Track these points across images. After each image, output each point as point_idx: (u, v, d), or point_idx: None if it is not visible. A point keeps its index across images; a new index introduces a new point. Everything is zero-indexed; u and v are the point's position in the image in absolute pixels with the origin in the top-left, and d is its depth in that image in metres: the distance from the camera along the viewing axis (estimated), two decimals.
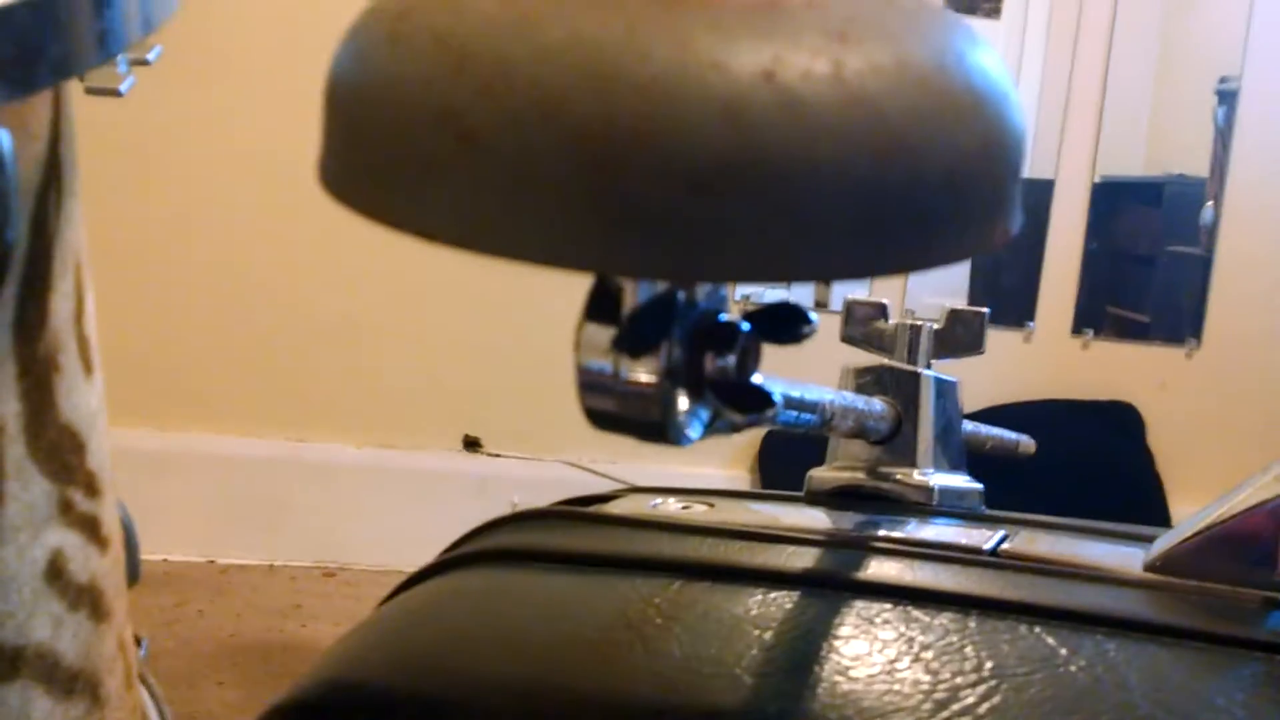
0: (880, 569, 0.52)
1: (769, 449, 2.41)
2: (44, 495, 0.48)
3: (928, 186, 0.33)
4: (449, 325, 2.45)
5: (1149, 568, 0.52)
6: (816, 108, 0.31)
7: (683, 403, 0.38)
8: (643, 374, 0.38)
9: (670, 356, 0.38)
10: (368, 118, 0.34)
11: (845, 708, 0.43)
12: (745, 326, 0.39)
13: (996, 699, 0.44)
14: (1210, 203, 2.54)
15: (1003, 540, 0.57)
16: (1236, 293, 2.54)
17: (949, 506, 0.67)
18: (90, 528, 0.51)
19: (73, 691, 0.50)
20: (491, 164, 0.32)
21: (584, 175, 0.31)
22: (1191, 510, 2.08)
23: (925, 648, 0.46)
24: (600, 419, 0.38)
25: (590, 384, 0.38)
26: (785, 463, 2.37)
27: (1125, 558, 0.54)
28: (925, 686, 0.44)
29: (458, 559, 0.56)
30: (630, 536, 0.56)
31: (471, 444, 2.43)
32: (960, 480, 0.71)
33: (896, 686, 0.44)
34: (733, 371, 0.39)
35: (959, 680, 0.44)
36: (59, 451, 0.49)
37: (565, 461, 2.41)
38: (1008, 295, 2.50)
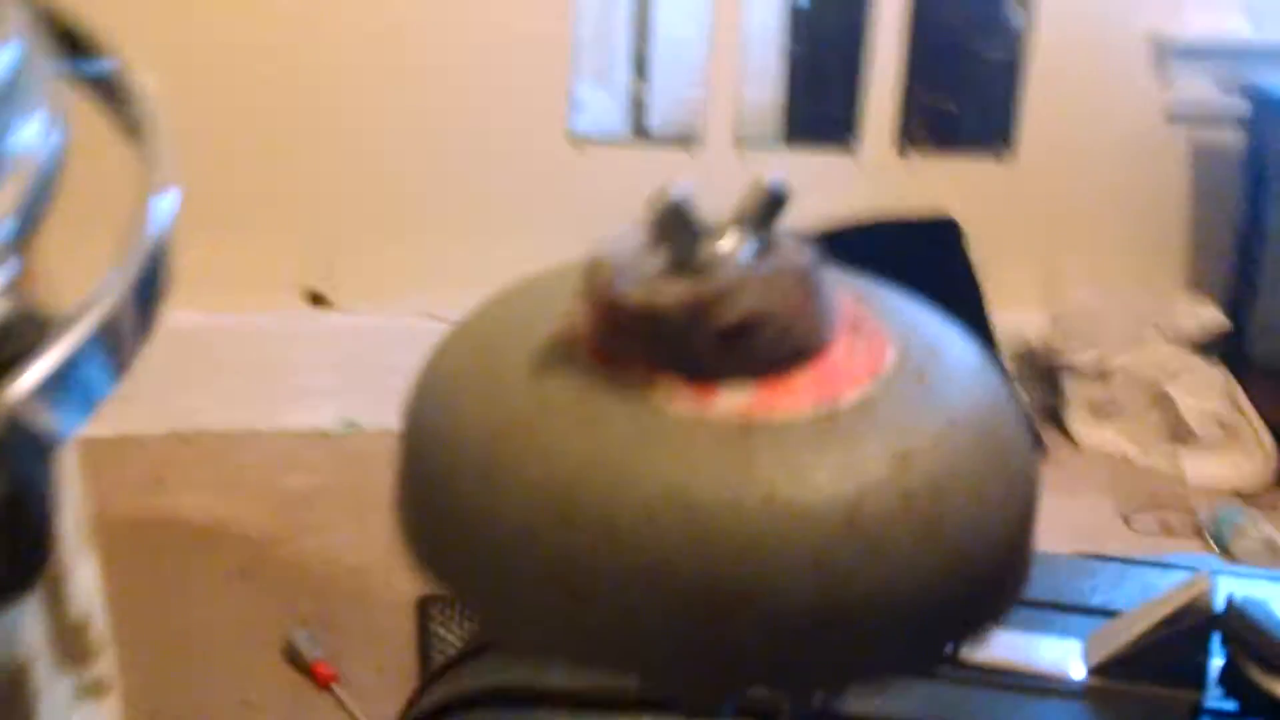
0: None
1: None
2: (65, 690, 0.50)
3: (984, 582, 0.37)
4: (293, 178, 2.39)
5: (1094, 671, 0.59)
6: (895, 547, 0.35)
7: None
8: None
9: None
10: (466, 543, 0.37)
11: None
12: None
13: None
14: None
15: None
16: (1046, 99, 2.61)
17: None
18: (96, 690, 0.53)
19: None
20: (601, 619, 0.35)
21: (690, 631, 0.35)
22: (1007, 318, 2.14)
23: None
24: None
25: None
26: None
27: (1064, 654, 0.60)
28: None
29: (446, 705, 0.59)
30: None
31: (316, 300, 2.41)
32: None
33: None
34: None
35: None
36: (73, 643, 0.51)
37: (422, 314, 2.40)
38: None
